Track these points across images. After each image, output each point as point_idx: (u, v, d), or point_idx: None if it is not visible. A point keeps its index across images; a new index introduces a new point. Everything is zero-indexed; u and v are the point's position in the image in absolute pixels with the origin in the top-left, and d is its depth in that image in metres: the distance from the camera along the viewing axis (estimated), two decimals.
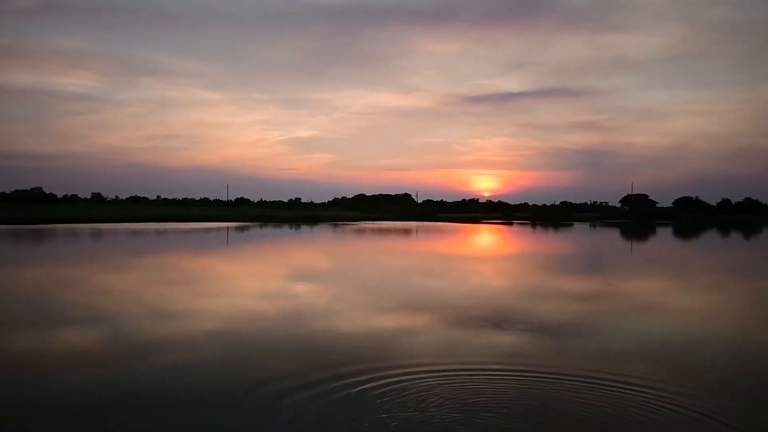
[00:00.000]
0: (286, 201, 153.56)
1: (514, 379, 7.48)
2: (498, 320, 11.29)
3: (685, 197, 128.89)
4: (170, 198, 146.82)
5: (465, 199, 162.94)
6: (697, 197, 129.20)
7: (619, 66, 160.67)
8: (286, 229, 59.83)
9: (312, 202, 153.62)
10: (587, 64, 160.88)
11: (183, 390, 6.95)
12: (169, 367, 7.91)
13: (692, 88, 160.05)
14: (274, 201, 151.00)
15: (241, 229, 57.22)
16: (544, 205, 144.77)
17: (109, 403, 6.50)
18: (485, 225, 78.27)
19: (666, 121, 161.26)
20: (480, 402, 6.57)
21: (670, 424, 5.96)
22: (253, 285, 16.75)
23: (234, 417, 6.10)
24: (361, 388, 6.95)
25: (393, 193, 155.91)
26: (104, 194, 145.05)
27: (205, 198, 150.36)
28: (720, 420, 6.10)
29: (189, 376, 7.51)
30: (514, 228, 69.20)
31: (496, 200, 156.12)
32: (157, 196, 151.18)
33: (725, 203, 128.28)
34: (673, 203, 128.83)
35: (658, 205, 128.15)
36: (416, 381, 7.23)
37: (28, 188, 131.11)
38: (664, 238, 50.67)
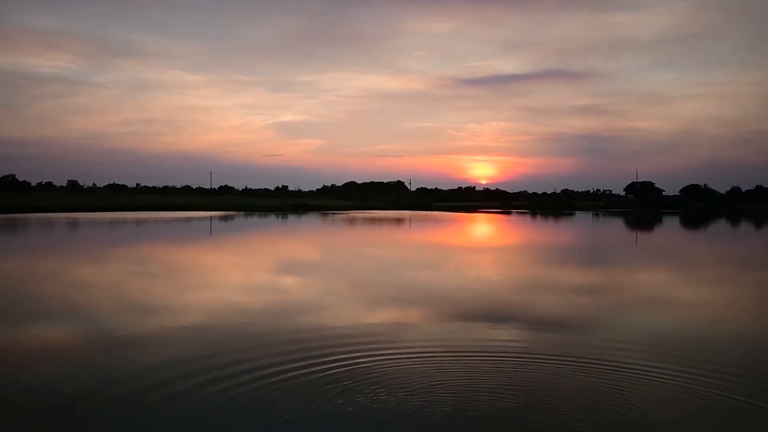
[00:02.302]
0: (273, 189, 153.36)
1: (502, 364, 7.66)
2: (495, 314, 11.36)
3: (692, 185, 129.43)
4: (150, 186, 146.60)
5: (461, 187, 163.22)
6: (705, 185, 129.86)
7: (624, 46, 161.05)
8: (272, 218, 59.81)
9: (300, 191, 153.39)
10: (590, 45, 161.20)
11: (160, 387, 6.97)
12: (147, 364, 7.92)
13: (701, 70, 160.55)
14: (259, 189, 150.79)
15: (225, 218, 57.17)
16: (545, 193, 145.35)
17: (85, 402, 6.53)
18: (482, 214, 78.44)
19: (673, 104, 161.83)
20: (465, 386, 6.74)
21: (674, 399, 6.11)
22: (238, 278, 16.77)
23: (210, 409, 6.16)
24: (341, 375, 7.07)
25: (385, 181, 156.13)
26: (81, 182, 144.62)
27: (187, 186, 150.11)
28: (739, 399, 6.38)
29: (168, 372, 7.53)
30: (513, 217, 69.38)
31: (494, 188, 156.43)
32: (137, 184, 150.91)
33: (735, 191, 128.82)
34: (681, 191, 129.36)
35: (664, 194, 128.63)
36: (402, 370, 7.33)
37: (0, 175, 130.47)
38: (670, 228, 50.92)
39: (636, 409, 6.34)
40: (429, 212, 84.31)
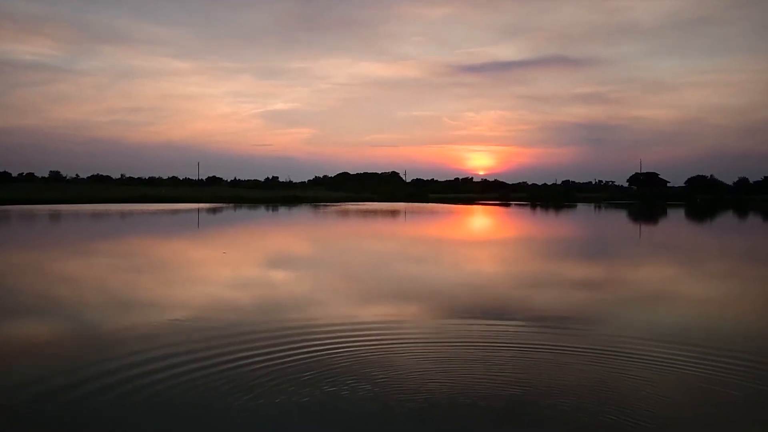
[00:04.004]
0: (262, 180, 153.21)
1: (500, 357, 7.68)
2: (493, 310, 11.36)
3: (698, 176, 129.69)
4: (135, 177, 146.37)
5: (458, 178, 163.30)
6: (711, 176, 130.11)
7: (627, 32, 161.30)
8: (262, 210, 59.76)
9: (290, 182, 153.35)
10: (591, 30, 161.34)
11: (145, 384, 6.96)
12: (132, 361, 7.90)
13: (706, 57, 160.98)
14: (248, 180, 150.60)
15: (214, 210, 57.09)
16: (545, 184, 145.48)
17: (66, 400, 6.52)
18: (480, 206, 78.51)
19: (677, 92, 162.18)
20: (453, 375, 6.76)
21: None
22: (227, 272, 16.73)
23: (199, 407, 6.15)
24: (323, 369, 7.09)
25: (379, 172, 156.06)
26: (63, 173, 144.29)
27: (173, 177, 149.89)
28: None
29: (154, 368, 7.52)
30: (512, 210, 69.50)
31: (492, 179, 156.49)
32: (122, 175, 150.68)
33: (742, 182, 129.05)
34: (686, 183, 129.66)
35: (669, 185, 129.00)
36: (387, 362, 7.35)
37: None
38: (675, 221, 51.08)
39: (643, 400, 6.37)
40: (425, 204, 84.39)
